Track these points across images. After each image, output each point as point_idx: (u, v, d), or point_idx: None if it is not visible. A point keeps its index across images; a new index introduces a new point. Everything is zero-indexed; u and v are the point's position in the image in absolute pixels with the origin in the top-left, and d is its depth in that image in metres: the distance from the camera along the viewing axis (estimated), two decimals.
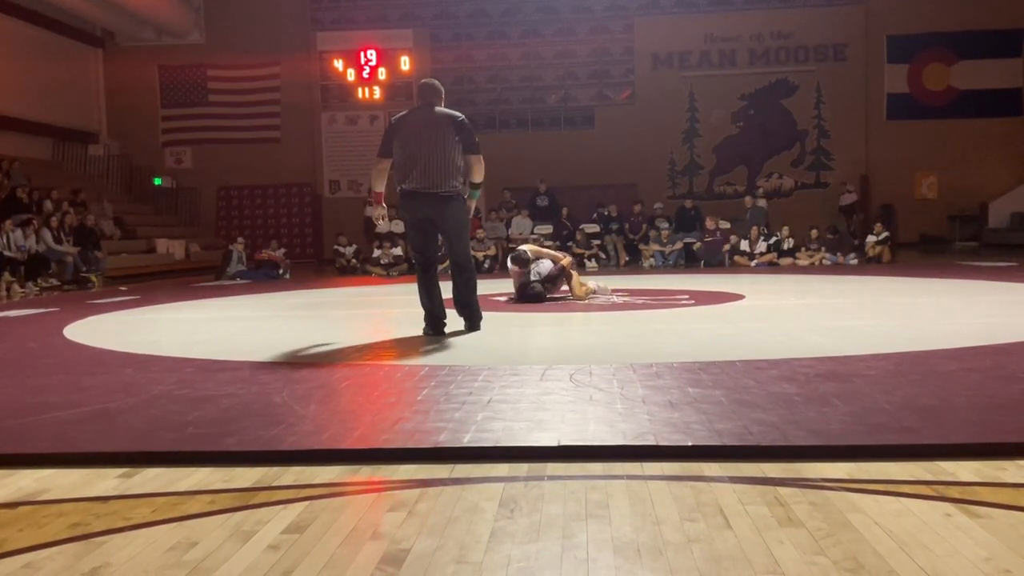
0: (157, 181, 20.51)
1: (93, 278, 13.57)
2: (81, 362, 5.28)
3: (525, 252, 8.75)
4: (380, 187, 6.20)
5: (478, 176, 6.13)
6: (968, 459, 2.77)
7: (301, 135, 20.15)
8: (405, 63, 19.60)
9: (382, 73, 19.73)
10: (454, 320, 6.20)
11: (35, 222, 13.60)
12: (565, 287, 8.70)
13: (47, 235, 13.57)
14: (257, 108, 20.33)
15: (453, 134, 5.93)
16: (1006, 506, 2.37)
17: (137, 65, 20.22)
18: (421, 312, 6.12)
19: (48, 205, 14.79)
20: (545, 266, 8.60)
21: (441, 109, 6.05)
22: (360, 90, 19.87)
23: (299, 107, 20.07)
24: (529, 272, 8.53)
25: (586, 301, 8.35)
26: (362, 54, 19.73)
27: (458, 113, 6.08)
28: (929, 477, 2.63)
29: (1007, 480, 2.60)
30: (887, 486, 2.56)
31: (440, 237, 6.23)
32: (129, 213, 18.42)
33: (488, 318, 6.78)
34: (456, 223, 6.07)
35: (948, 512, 2.33)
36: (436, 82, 6.23)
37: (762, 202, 16.75)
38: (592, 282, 9.07)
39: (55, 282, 12.98)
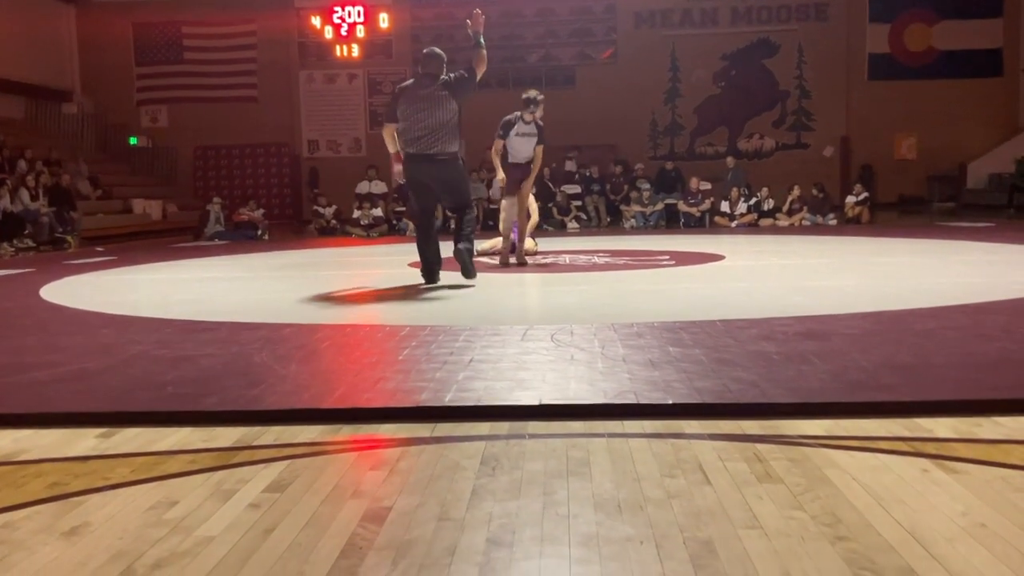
0: (133, 140, 20.19)
1: (69, 239, 13.42)
2: (58, 323, 5.23)
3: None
4: (392, 148, 6.74)
5: (480, 69, 6.69)
6: (945, 416, 2.80)
7: (279, 94, 19.85)
8: (384, 20, 19.29)
9: (360, 31, 19.42)
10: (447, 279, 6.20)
11: (8, 182, 13.40)
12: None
13: (24, 195, 13.38)
14: (233, 66, 19.99)
15: (450, 99, 6.47)
16: (982, 461, 2.40)
17: (110, 22, 19.78)
18: (401, 272, 6.19)
19: (22, 165, 14.55)
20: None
21: (442, 77, 6.56)
22: (338, 48, 19.55)
23: (276, 65, 19.74)
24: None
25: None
26: (340, 11, 19.41)
27: (450, 74, 6.61)
28: (906, 433, 2.66)
29: (983, 436, 2.63)
30: (864, 442, 2.59)
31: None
32: (105, 173, 18.16)
33: None
34: (454, 182, 6.65)
35: (925, 468, 2.36)
36: (438, 51, 6.76)
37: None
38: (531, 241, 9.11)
39: (30, 243, 12.81)
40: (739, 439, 2.64)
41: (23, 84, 18.38)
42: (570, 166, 16.82)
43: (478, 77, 6.72)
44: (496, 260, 8.41)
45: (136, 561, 1.90)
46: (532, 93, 8.15)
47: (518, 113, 8.04)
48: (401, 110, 6.59)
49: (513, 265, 8.05)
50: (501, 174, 8.01)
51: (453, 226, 6.81)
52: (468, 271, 6.52)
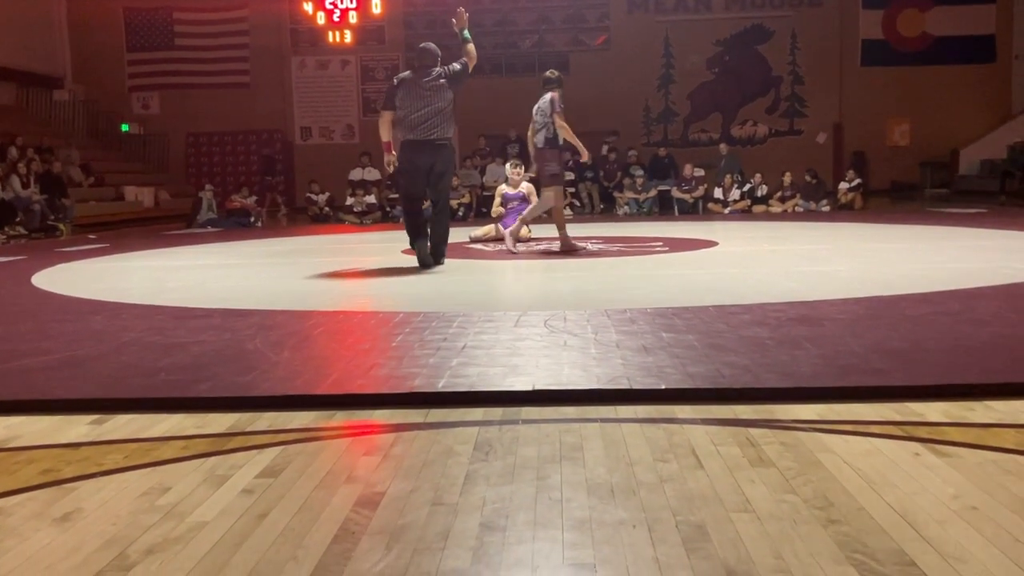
0: (124, 127, 20.08)
1: (61, 226, 13.36)
2: (50, 310, 5.22)
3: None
4: (386, 136, 7.02)
5: (471, 63, 7.08)
6: (937, 400, 2.81)
7: (271, 80, 19.74)
8: (376, 6, 19.16)
9: (353, 16, 19.30)
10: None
11: None
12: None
13: (15, 182, 13.30)
14: (225, 52, 19.85)
15: (447, 89, 6.84)
16: (973, 445, 2.41)
17: (101, 7, 19.61)
18: (394, 259, 6.19)
19: (13, 152, 14.47)
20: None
21: (436, 69, 6.92)
22: (330, 34, 19.42)
23: (268, 51, 19.61)
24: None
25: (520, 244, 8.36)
26: None
27: (446, 67, 6.94)
28: (898, 418, 2.67)
29: (974, 420, 2.64)
30: (857, 426, 2.60)
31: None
32: (96, 160, 18.05)
33: (462, 265, 6.88)
34: (446, 167, 6.99)
35: (916, 451, 2.37)
36: (433, 46, 7.10)
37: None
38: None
39: (22, 230, 12.75)
40: (732, 424, 2.65)
41: (13, 70, 18.24)
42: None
43: (470, 70, 7.08)
44: (489, 247, 8.42)
45: (129, 547, 1.90)
46: (556, 72, 8.46)
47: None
48: (400, 98, 6.87)
49: (508, 252, 8.04)
50: (583, 149, 8.31)
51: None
52: (438, 262, 6.87)
